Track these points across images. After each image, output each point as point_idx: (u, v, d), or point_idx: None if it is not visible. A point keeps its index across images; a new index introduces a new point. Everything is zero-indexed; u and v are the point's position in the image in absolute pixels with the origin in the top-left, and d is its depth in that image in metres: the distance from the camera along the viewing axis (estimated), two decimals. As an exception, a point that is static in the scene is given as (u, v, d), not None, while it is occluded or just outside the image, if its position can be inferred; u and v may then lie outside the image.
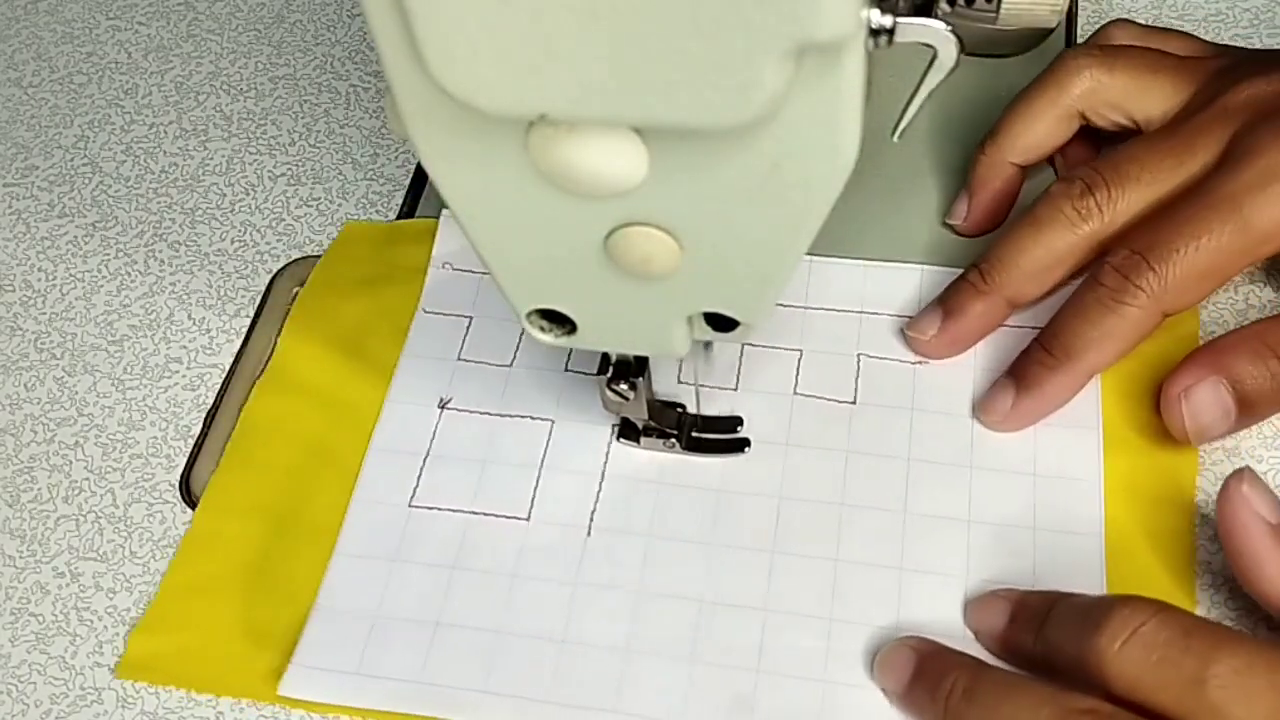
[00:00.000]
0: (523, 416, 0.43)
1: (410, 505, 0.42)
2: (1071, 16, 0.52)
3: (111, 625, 0.41)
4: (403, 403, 0.44)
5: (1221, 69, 0.42)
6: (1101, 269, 0.39)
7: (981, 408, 0.41)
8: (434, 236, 0.48)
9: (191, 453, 0.44)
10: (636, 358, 0.38)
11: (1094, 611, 0.33)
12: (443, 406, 0.43)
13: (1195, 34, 0.45)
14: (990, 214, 0.45)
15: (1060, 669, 0.34)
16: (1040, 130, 0.44)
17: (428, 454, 0.43)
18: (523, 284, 0.32)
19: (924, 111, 0.31)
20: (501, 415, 0.43)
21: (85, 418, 0.46)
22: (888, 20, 0.25)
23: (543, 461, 0.42)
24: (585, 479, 0.42)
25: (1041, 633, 0.35)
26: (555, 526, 0.41)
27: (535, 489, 0.42)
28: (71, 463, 0.45)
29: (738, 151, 0.26)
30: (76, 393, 0.47)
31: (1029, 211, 0.41)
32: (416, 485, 0.42)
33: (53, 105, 0.55)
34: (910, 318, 0.43)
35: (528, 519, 0.41)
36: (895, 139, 0.33)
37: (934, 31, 0.27)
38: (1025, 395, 0.40)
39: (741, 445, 0.41)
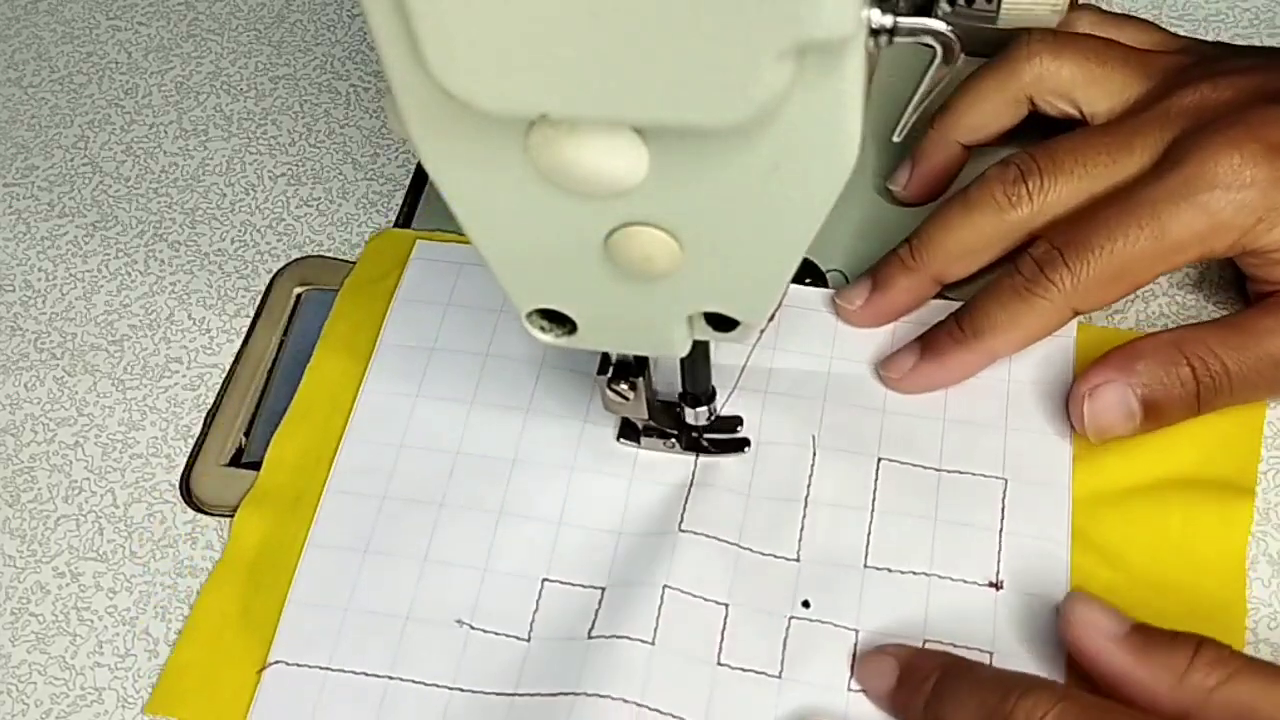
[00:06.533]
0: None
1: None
2: (1072, 16, 0.52)
3: (111, 625, 0.41)
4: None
5: (1174, 68, 0.41)
6: (1021, 258, 0.40)
7: (884, 365, 0.42)
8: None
9: (191, 453, 0.44)
10: (636, 358, 0.38)
11: (999, 702, 0.33)
12: None
13: (1160, 25, 0.44)
14: (929, 187, 0.46)
15: None
16: (987, 111, 0.44)
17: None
18: (523, 284, 0.32)
19: (925, 111, 0.31)
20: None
21: (85, 418, 0.46)
22: (888, 20, 0.25)
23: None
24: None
25: (932, 706, 0.35)
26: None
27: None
28: (71, 463, 0.45)
29: (738, 151, 0.26)
30: (76, 393, 0.47)
31: (962, 192, 0.41)
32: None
33: (53, 105, 0.55)
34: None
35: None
36: (896, 139, 0.33)
37: (934, 31, 0.27)
38: (927, 361, 0.41)
39: (742, 445, 0.41)
